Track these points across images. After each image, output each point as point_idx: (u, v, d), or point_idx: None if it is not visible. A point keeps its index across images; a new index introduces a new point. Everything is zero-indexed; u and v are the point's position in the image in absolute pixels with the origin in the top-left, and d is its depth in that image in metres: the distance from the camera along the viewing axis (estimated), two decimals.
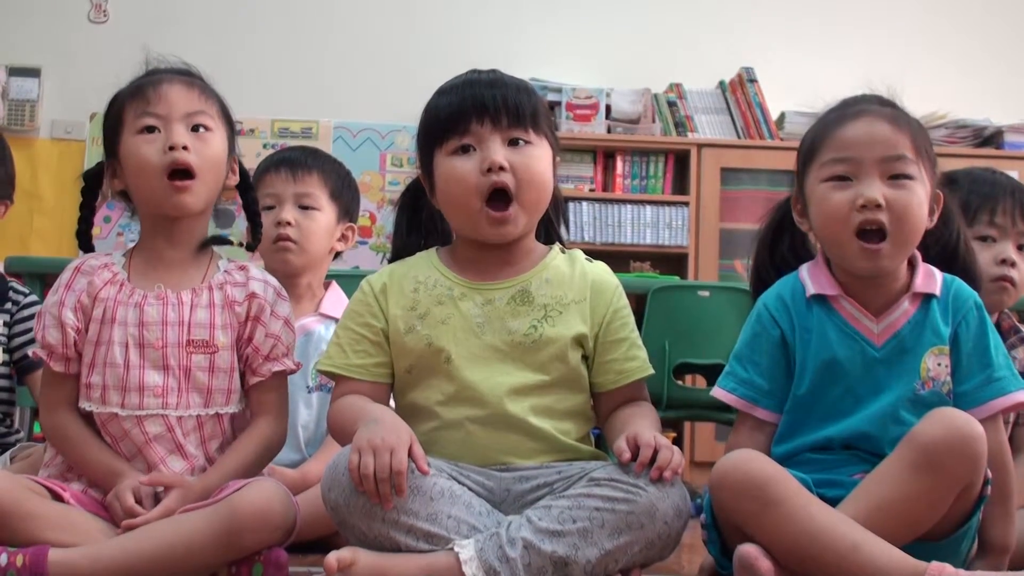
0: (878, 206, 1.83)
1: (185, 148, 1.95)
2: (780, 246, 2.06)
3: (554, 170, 1.97)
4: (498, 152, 1.87)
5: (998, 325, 2.35)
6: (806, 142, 1.97)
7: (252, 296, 2.01)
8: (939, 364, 1.87)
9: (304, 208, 2.60)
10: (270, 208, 2.57)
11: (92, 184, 2.09)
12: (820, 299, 1.92)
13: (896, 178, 1.86)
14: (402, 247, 2.05)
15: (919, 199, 1.86)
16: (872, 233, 1.85)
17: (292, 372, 2.06)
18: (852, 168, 1.87)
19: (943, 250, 1.99)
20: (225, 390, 1.98)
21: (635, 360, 1.95)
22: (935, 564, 1.64)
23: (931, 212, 1.92)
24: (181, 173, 1.95)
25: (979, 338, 1.89)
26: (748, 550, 1.72)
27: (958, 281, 1.93)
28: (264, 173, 2.63)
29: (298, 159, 2.66)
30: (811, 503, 1.73)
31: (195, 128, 1.98)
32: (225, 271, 2.03)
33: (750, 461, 1.77)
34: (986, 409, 1.85)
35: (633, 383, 1.94)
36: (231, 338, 1.99)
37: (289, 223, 2.57)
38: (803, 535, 1.70)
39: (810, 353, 1.90)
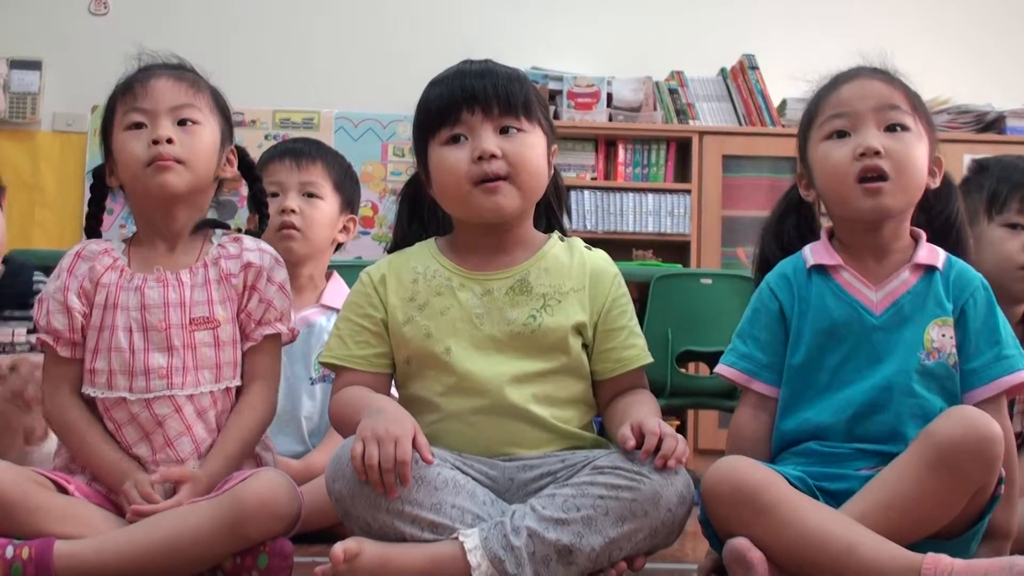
0: (877, 153, 1.86)
1: (170, 141, 1.95)
2: (786, 227, 2.07)
3: (550, 158, 1.98)
4: (489, 140, 1.87)
5: None
6: (805, 113, 2.00)
7: (248, 266, 2.01)
8: (943, 335, 1.87)
9: (308, 196, 2.61)
10: (274, 196, 2.57)
11: (100, 181, 2.09)
12: (820, 269, 1.93)
13: (893, 128, 1.89)
14: (402, 237, 2.05)
15: (917, 150, 1.89)
16: (873, 179, 1.87)
17: (287, 339, 2.05)
18: (849, 122, 1.90)
19: (943, 223, 1.99)
20: (232, 363, 1.98)
21: (634, 348, 1.95)
22: (930, 556, 1.63)
23: (931, 172, 1.94)
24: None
25: (987, 316, 1.89)
26: (738, 542, 1.72)
27: (962, 262, 1.94)
28: (268, 162, 2.64)
29: (302, 149, 2.67)
30: (802, 506, 1.73)
31: (182, 122, 1.98)
32: (219, 245, 2.03)
33: (737, 470, 1.77)
34: (994, 387, 1.84)
35: (632, 371, 1.95)
36: (231, 311, 1.99)
37: (293, 211, 2.57)
38: (796, 540, 1.70)
39: (807, 322, 1.91)
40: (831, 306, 1.90)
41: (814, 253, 1.95)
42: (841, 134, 1.90)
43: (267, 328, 2.01)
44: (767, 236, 2.10)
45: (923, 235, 1.95)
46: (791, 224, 2.06)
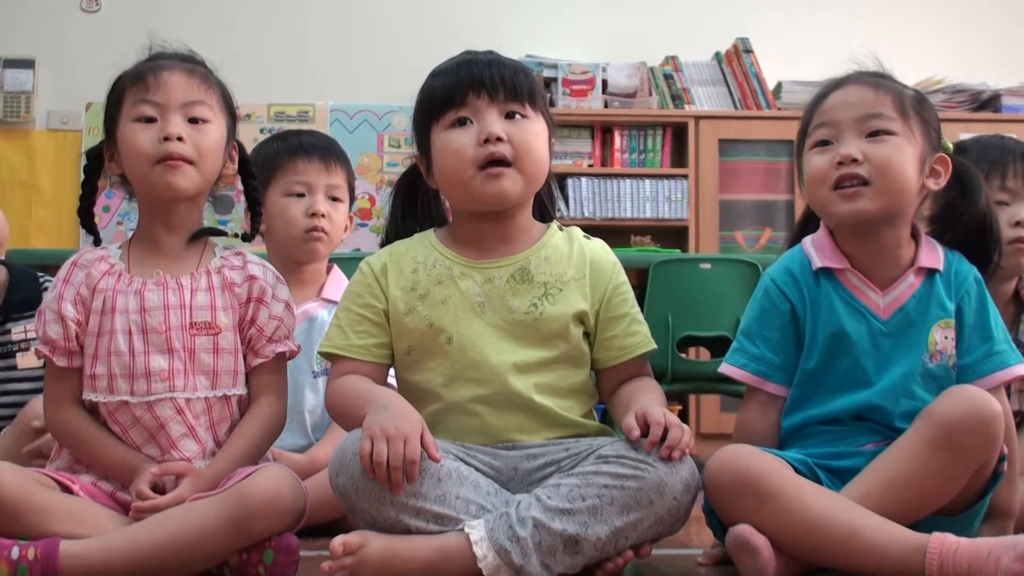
0: (854, 160, 1.86)
1: (180, 139, 1.94)
2: (806, 232, 2.07)
3: (550, 151, 1.97)
4: (495, 124, 1.87)
5: (1017, 292, 2.35)
6: (801, 121, 2.00)
7: (252, 278, 2.01)
8: (946, 337, 1.89)
9: (332, 199, 2.60)
10: (300, 196, 2.57)
11: (94, 163, 2.08)
12: (827, 272, 1.93)
13: (875, 135, 1.88)
14: (396, 234, 2.04)
15: (902, 153, 1.87)
16: (851, 184, 1.87)
17: (293, 355, 2.06)
18: (832, 131, 1.91)
19: (968, 221, 1.98)
20: (231, 372, 1.98)
21: (636, 335, 1.95)
22: (936, 536, 1.64)
23: (934, 175, 1.92)
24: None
25: (980, 312, 1.91)
26: (741, 528, 1.73)
27: (958, 256, 1.94)
28: (293, 158, 2.59)
29: (327, 147, 2.64)
30: (806, 492, 1.74)
31: (193, 120, 1.97)
32: (222, 256, 2.04)
33: (739, 458, 1.78)
34: (988, 381, 1.87)
35: (635, 358, 1.95)
36: (233, 319, 1.99)
37: (323, 215, 2.56)
38: (800, 526, 1.71)
39: (819, 326, 1.91)
40: (841, 312, 1.90)
41: (820, 253, 1.94)
42: (824, 143, 1.91)
43: (279, 346, 2.01)
44: (793, 237, 2.09)
45: (921, 232, 1.95)
46: (810, 230, 2.06)
